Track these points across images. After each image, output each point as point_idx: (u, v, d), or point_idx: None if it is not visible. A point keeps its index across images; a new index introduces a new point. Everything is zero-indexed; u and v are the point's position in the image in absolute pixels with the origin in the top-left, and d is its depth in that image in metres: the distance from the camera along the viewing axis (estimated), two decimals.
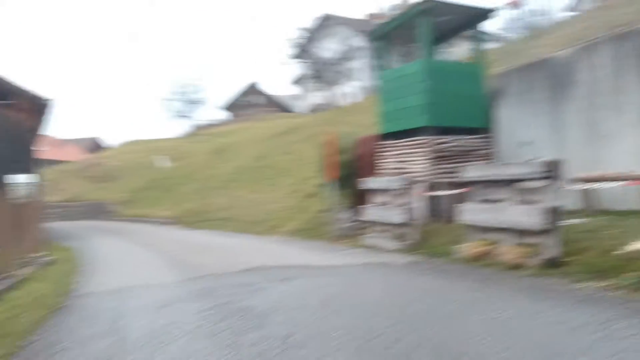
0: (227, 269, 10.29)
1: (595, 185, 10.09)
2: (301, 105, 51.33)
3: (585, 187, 10.70)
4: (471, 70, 13.57)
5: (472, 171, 9.49)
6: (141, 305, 7.43)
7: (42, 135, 24.81)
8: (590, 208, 10.79)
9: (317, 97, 44.40)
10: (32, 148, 22.69)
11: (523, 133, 13.25)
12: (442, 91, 12.75)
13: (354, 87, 39.75)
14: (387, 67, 14.61)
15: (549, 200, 7.94)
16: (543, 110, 12.74)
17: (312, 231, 15.96)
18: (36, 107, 22.20)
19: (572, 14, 27.45)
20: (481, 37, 14.27)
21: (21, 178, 20.47)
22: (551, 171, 7.91)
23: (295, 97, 57.09)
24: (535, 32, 20.67)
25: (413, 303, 6.48)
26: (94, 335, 5.69)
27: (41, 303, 7.60)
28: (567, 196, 10.51)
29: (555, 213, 7.83)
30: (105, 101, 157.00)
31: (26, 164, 21.97)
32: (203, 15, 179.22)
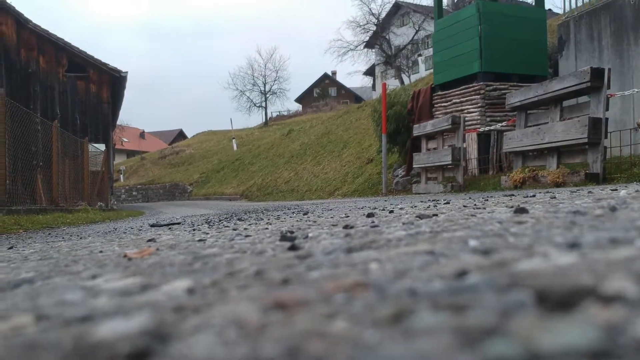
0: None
1: None
2: (373, 95, 51.18)
3: None
4: (532, 15, 13.03)
5: (517, 95, 9.14)
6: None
7: (118, 108, 26.08)
8: None
9: (390, 85, 44.14)
10: (108, 120, 23.92)
11: None
12: (499, 36, 12.32)
13: (427, 72, 39.21)
14: (442, 17, 14.31)
15: (594, 112, 7.51)
16: (607, 57, 12.07)
17: (367, 190, 15.91)
18: (111, 79, 23.44)
19: None
20: None
21: (97, 146, 21.61)
22: (597, 80, 7.47)
23: (367, 88, 57.00)
24: None
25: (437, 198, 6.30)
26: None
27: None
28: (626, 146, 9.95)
29: (599, 124, 7.39)
30: (185, 93, 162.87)
31: (102, 133, 23.24)
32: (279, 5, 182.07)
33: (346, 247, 1.05)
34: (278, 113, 63.82)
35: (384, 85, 14.84)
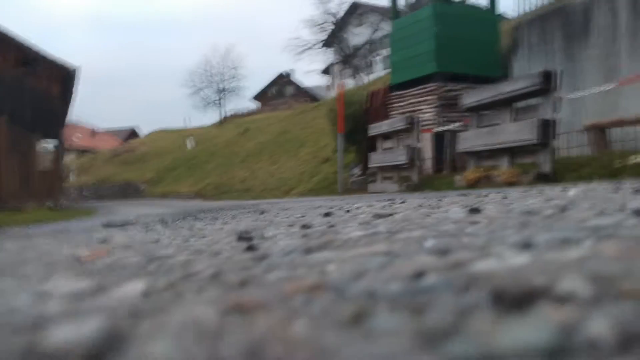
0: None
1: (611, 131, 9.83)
2: (330, 94, 51.33)
3: (598, 133, 10.43)
4: (486, 17, 13.31)
5: (471, 96, 9.33)
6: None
7: (69, 104, 25.38)
8: (601, 147, 10.46)
9: (346, 84, 44.33)
10: (59, 116, 23.24)
11: None
12: (454, 37, 12.54)
13: (383, 72, 39.54)
14: (398, 18, 14.48)
15: (543, 113, 7.73)
16: (557, 60, 12.42)
17: (324, 189, 15.94)
18: (62, 74, 22.79)
19: None
20: None
21: (48, 143, 20.96)
22: (546, 82, 7.68)
23: (325, 87, 57.17)
24: None
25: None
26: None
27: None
28: (574, 148, 10.27)
29: (549, 126, 7.61)
30: (139, 90, 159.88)
31: (52, 130, 22.56)
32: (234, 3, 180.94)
33: (304, 248, 1.04)
34: (235, 111, 63.34)
35: (341, 84, 14.91)
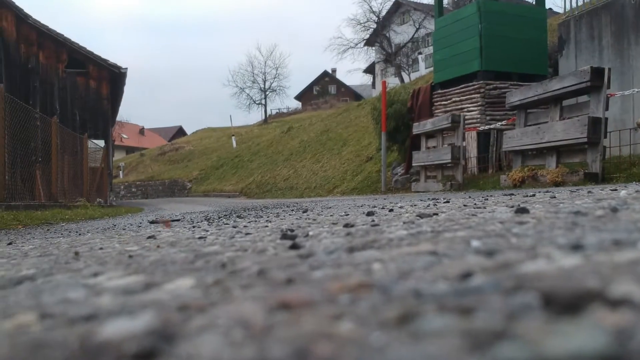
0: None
1: None
2: (373, 93, 51.14)
3: None
4: (533, 15, 13.02)
5: (515, 95, 9.14)
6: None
7: (118, 104, 26.04)
8: None
9: (390, 83, 44.08)
10: (108, 115, 23.88)
11: None
12: (499, 34, 12.31)
13: (427, 70, 39.15)
14: (443, 15, 14.30)
15: (594, 112, 7.51)
16: (607, 57, 12.07)
17: (367, 188, 15.92)
18: (111, 75, 23.41)
19: None
20: None
21: (97, 141, 21.58)
22: (597, 79, 7.46)
23: (367, 86, 56.98)
24: None
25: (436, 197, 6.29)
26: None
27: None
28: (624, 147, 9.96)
29: (599, 124, 7.39)
30: (185, 90, 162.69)
31: (101, 129, 23.22)
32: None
33: (348, 247, 1.04)
34: (278, 110, 63.78)
35: (384, 83, 14.84)
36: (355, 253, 0.93)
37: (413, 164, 12.74)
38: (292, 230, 1.99)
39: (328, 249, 1.03)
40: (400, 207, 3.25)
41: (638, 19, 11.54)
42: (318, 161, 24.11)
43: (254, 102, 58.39)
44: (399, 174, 14.37)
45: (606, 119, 7.50)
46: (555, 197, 2.67)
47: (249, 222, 3.54)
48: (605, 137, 7.57)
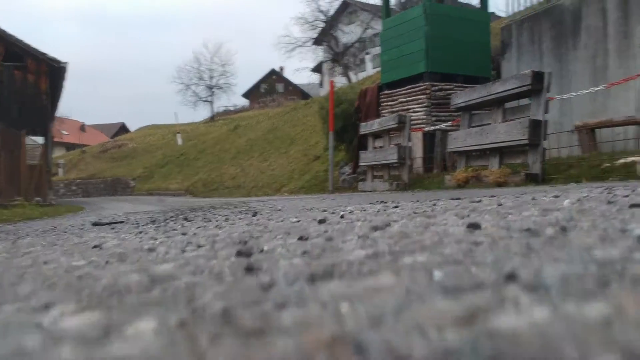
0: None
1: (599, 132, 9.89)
2: (321, 92, 51.31)
3: (587, 133, 10.50)
4: (477, 19, 13.35)
5: (460, 97, 9.35)
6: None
7: (58, 99, 25.15)
8: (589, 148, 10.56)
9: (337, 82, 44.28)
10: (47, 111, 23.04)
11: None
12: (444, 37, 12.57)
13: (374, 71, 39.52)
14: (390, 16, 14.48)
15: (534, 114, 7.77)
16: (547, 61, 12.51)
17: (314, 187, 15.95)
18: (50, 69, 22.58)
19: None
20: None
21: (35, 138, 20.78)
22: (537, 83, 7.72)
23: (315, 84, 57.12)
24: None
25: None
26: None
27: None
28: (563, 147, 10.35)
29: (540, 126, 7.65)
30: (128, 86, 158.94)
31: (40, 126, 22.36)
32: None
33: (309, 273, 1.04)
34: (225, 108, 63.10)
35: (332, 82, 14.91)
36: (318, 284, 0.92)
37: (360, 164, 12.86)
38: (245, 243, 1.97)
39: (288, 277, 1.02)
40: (351, 213, 3.26)
41: (575, 25, 12.01)
42: (265, 160, 24.04)
43: (200, 99, 57.61)
44: (347, 173, 14.48)
45: (546, 121, 7.76)
46: (501, 205, 2.74)
47: (198, 227, 3.48)
48: (545, 139, 7.85)
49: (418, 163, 12.27)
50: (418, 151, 12.27)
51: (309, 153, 20.72)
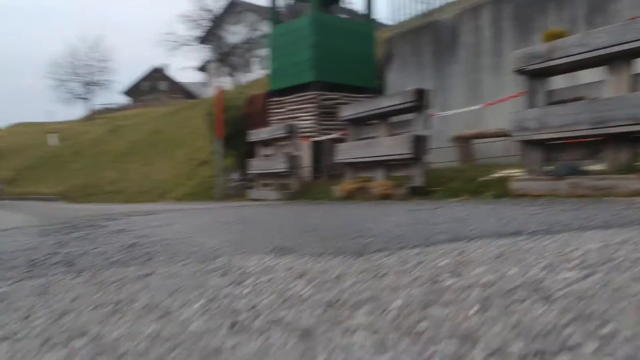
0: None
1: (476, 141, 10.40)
2: (207, 92, 50.32)
3: (464, 144, 11.05)
4: (362, 30, 13.69)
5: (348, 110, 9.52)
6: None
7: None
8: (467, 162, 11.14)
9: (223, 82, 43.65)
10: None
11: None
12: (331, 47, 12.75)
13: (261, 73, 39.38)
14: (278, 23, 14.46)
15: (416, 129, 8.06)
16: (428, 73, 13.07)
17: (201, 194, 15.56)
18: None
19: None
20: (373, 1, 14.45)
21: None
22: (420, 100, 8.01)
23: (201, 84, 55.96)
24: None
25: (276, 213, 6.31)
26: None
27: None
28: (444, 155, 10.82)
29: (422, 142, 7.95)
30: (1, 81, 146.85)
31: None
32: None
33: None
34: (104, 106, 60.06)
35: (219, 88, 14.62)
36: None
37: (249, 172, 12.72)
38: None
39: None
40: (242, 271, 3.14)
41: (453, 40, 12.65)
42: (149, 164, 23.13)
43: (76, 96, 54.40)
44: (235, 180, 14.27)
45: (429, 136, 8.08)
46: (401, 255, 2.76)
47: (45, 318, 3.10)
48: (428, 153, 8.17)
49: (306, 172, 12.35)
50: (306, 160, 12.35)
51: (195, 157, 20.20)
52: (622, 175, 5.36)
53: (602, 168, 5.76)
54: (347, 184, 9.35)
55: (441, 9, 15.18)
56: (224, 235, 3.28)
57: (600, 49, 5.52)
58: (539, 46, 6.15)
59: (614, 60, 5.49)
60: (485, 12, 12.27)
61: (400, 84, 13.77)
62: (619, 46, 5.34)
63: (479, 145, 11.13)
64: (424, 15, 14.90)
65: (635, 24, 5.30)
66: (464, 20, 12.68)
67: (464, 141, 11.20)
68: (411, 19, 14.73)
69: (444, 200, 6.85)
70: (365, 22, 14.02)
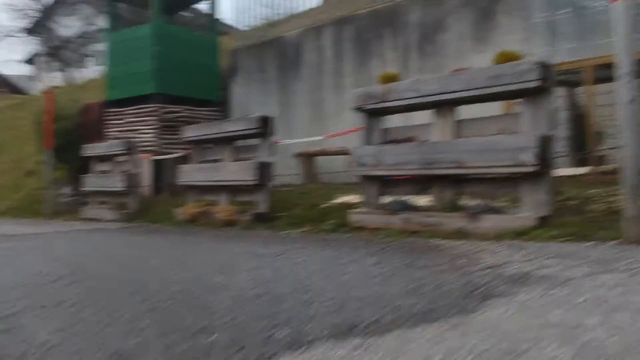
0: None
1: (318, 159, 10.64)
2: (35, 87, 46.16)
3: (307, 161, 11.27)
4: (207, 41, 13.43)
5: (191, 131, 9.28)
6: None
7: None
8: (310, 181, 11.40)
9: (54, 77, 40.28)
10: None
11: (255, 110, 13.53)
12: (174, 58, 12.35)
13: (97, 71, 36.99)
14: (117, 29, 13.69)
15: (261, 156, 8.07)
16: (273, 89, 13.17)
17: (29, 208, 14.22)
18: None
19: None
20: (218, 8, 14.25)
21: None
22: (264, 127, 8.03)
23: (29, 78, 51.23)
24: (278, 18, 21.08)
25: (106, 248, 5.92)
26: None
27: None
28: (288, 171, 10.97)
29: (266, 168, 7.98)
30: None
31: None
32: None
33: None
34: None
35: (48, 94, 13.47)
36: None
37: (83, 188, 11.89)
38: None
39: None
40: None
41: (297, 57, 12.88)
42: None
43: None
44: (67, 196, 13.27)
45: (272, 163, 8.15)
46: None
47: None
48: (272, 179, 8.24)
49: (146, 192, 11.84)
50: (147, 178, 11.84)
51: (22, 166, 18.40)
52: (447, 213, 5.80)
53: (431, 204, 6.19)
54: (191, 207, 9.13)
55: (286, 20, 15.40)
56: (47, 323, 2.70)
57: (429, 95, 5.93)
58: (376, 87, 6.45)
59: (441, 105, 5.93)
60: (327, 32, 12.66)
61: (245, 97, 13.76)
62: (445, 95, 5.77)
63: (324, 164, 11.44)
64: (269, 25, 15.00)
65: (459, 75, 5.77)
66: (307, 39, 12.98)
67: (307, 158, 11.46)
68: (256, 28, 14.74)
69: (288, 233, 6.93)
70: (211, 33, 13.77)
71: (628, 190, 3.98)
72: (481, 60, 9.90)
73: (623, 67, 3.98)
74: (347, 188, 8.85)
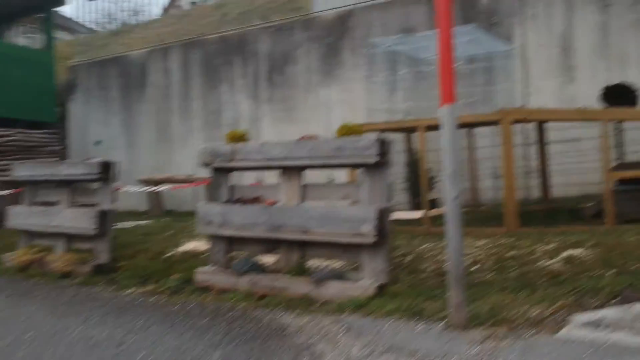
0: None
1: (160, 187, 10.21)
2: None
3: (151, 189, 10.80)
4: (39, 59, 12.39)
5: (22, 170, 8.51)
6: None
7: None
8: (156, 209, 11.00)
9: None
10: None
11: (96, 131, 12.78)
12: (4, 77, 11.26)
13: None
14: None
15: (102, 203, 7.63)
16: (116, 109, 12.55)
17: None
18: None
19: (161, 15, 28.01)
20: (54, 22, 13.19)
21: None
22: (105, 172, 7.60)
23: None
24: (120, 27, 20.12)
25: None
26: None
27: None
28: (133, 197, 10.47)
29: (108, 216, 7.56)
30: None
31: None
32: None
33: None
34: None
35: None
36: None
37: None
38: None
39: None
40: None
41: (142, 79, 12.38)
42: None
43: None
44: None
45: (113, 211, 7.75)
46: None
47: None
48: (112, 228, 7.83)
49: None
50: None
51: None
52: (293, 277, 5.90)
53: (278, 264, 6.25)
54: (22, 253, 8.37)
55: (128, 30, 14.71)
56: None
57: (276, 159, 5.99)
58: (224, 146, 6.38)
59: (288, 169, 6.02)
60: (175, 54, 12.32)
61: (85, 117, 12.97)
62: (291, 160, 5.87)
63: (171, 196, 11.13)
64: (111, 34, 14.28)
65: (305, 144, 5.89)
66: (153, 59, 12.53)
67: (152, 185, 11.03)
68: (97, 36, 13.94)
69: (130, 293, 6.60)
70: (44, 50, 12.73)
71: (452, 281, 4.32)
72: (328, 94, 10.22)
73: (447, 167, 4.30)
74: (194, 221, 8.53)
